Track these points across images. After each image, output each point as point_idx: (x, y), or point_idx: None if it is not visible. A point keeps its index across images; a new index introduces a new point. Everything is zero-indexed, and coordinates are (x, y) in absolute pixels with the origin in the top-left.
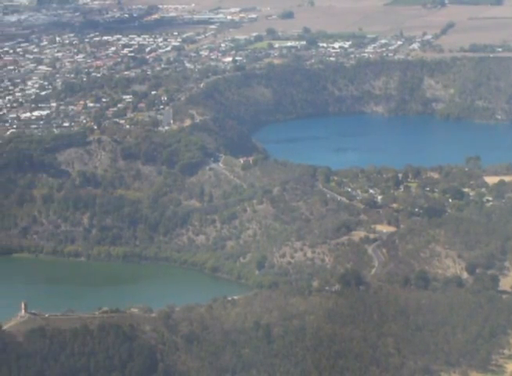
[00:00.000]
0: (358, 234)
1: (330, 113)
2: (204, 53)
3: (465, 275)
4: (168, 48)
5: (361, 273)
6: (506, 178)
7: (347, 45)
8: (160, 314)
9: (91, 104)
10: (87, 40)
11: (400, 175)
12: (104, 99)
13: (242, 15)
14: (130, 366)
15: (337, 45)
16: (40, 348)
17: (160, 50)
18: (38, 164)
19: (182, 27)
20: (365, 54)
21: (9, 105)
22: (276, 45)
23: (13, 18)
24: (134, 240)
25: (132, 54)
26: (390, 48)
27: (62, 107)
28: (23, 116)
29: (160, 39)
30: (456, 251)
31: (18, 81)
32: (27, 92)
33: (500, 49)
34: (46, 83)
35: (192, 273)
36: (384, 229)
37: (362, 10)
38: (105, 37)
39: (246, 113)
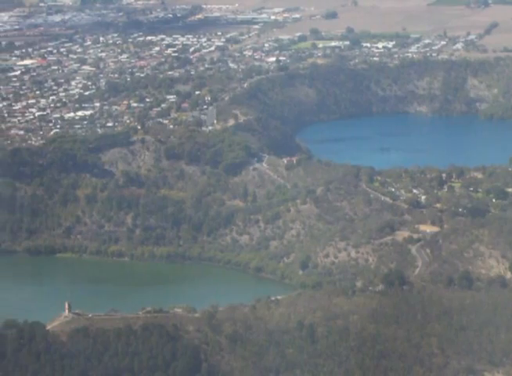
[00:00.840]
0: (402, 234)
1: (374, 113)
2: (248, 53)
3: (509, 275)
4: (212, 48)
5: (404, 273)
6: None
7: (390, 45)
8: (204, 314)
9: (135, 104)
10: (130, 40)
11: (444, 175)
12: (148, 99)
13: (285, 15)
14: (173, 366)
15: (380, 45)
16: (83, 348)
17: (204, 50)
18: (82, 164)
19: (226, 27)
20: (409, 54)
21: (52, 105)
22: (320, 45)
23: (57, 18)
24: (177, 240)
25: (176, 54)
26: (433, 48)
27: (105, 107)
28: (66, 116)
29: (204, 39)
30: (499, 251)
31: (62, 81)
32: (70, 92)
33: None
34: (90, 83)
35: (235, 273)
36: (428, 229)
37: (405, 10)
38: (149, 37)
39: (290, 113)
